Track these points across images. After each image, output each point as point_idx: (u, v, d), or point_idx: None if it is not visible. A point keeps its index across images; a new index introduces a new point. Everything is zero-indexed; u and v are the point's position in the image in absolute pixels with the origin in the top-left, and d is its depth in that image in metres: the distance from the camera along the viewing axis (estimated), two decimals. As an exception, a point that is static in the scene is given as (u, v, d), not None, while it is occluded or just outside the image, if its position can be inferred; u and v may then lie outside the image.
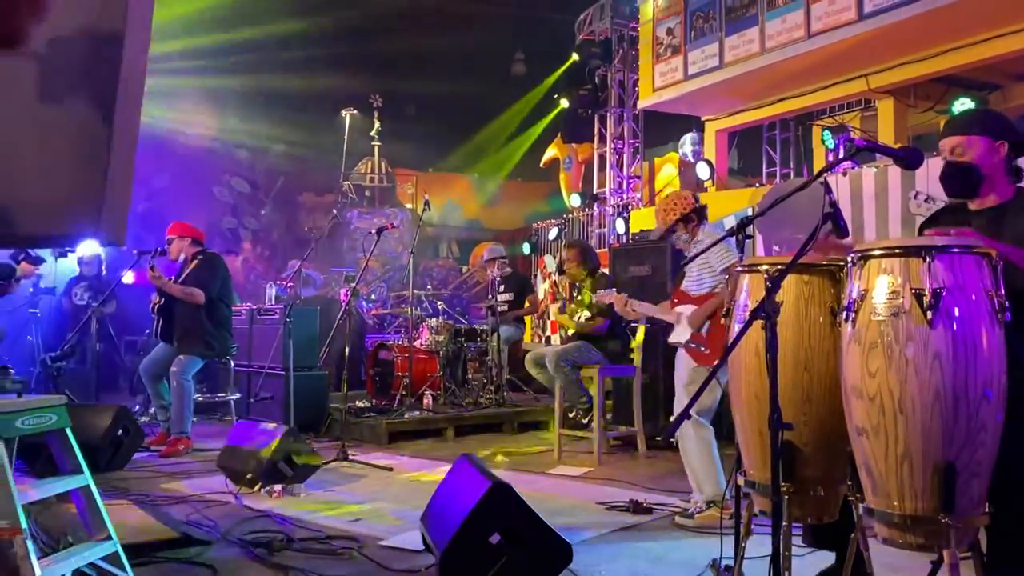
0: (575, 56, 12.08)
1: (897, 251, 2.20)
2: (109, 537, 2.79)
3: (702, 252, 4.07)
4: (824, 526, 2.64)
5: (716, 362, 3.96)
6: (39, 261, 5.54)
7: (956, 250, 2.16)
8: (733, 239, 3.38)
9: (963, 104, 6.99)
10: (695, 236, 4.35)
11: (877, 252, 2.23)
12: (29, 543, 2.40)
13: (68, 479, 2.79)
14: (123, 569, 2.81)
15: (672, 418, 3.93)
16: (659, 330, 5.80)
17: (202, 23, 11.94)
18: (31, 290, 7.40)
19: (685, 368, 4.20)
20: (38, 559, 2.46)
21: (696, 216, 4.36)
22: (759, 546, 3.02)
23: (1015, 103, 8.67)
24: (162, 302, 6.15)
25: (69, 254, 6.77)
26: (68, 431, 2.79)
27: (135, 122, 0.93)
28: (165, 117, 13.68)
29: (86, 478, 2.80)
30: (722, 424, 4.33)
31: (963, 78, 8.15)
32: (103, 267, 8.92)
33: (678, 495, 4.43)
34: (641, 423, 5.78)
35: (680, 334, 4.25)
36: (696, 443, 4.07)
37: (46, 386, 6.08)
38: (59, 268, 8.17)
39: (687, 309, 4.25)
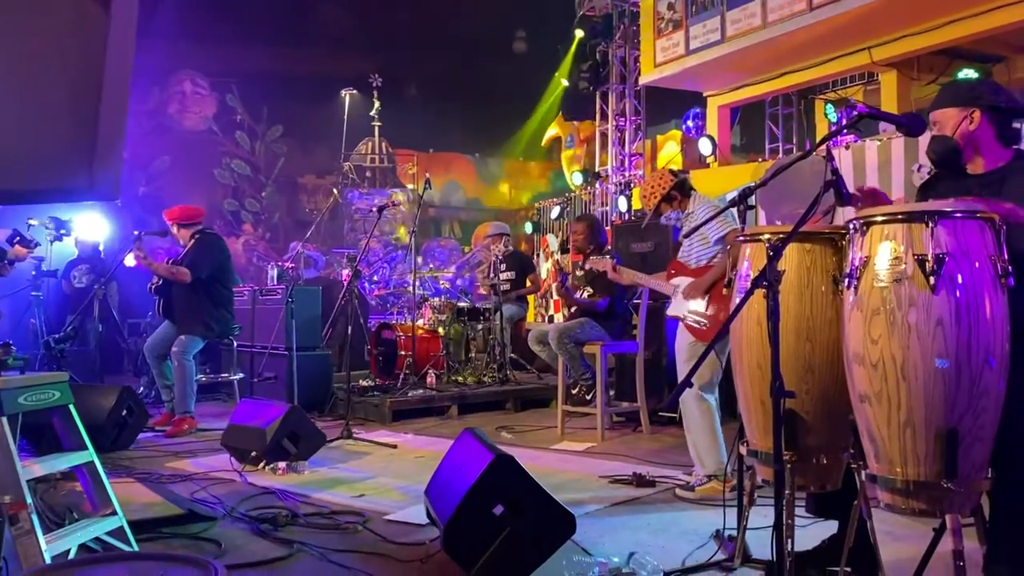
0: (579, 33, 11.98)
1: (900, 217, 2.19)
2: (114, 512, 2.81)
3: (701, 225, 4.05)
4: (827, 495, 2.64)
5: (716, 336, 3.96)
6: (33, 244, 5.53)
7: (959, 215, 2.15)
8: (733, 209, 3.38)
9: (966, 76, 6.94)
10: (686, 209, 4.33)
11: (880, 218, 2.22)
12: (34, 518, 2.42)
13: (72, 455, 2.80)
14: (128, 544, 2.83)
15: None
16: (661, 306, 5.80)
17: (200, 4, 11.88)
18: (33, 273, 7.39)
19: (684, 342, 4.19)
20: (43, 534, 2.47)
21: (678, 192, 4.33)
22: (761, 518, 3.04)
23: (1019, 74, 8.60)
24: (160, 282, 6.16)
25: (64, 238, 6.72)
26: (71, 407, 2.80)
27: (126, 75, 0.92)
28: (164, 100, 13.65)
29: (90, 454, 2.81)
30: (724, 398, 4.34)
31: (967, 50, 8.08)
32: (100, 249, 8.90)
33: (681, 469, 4.44)
34: (644, 399, 5.78)
35: (677, 307, 4.24)
36: (698, 416, 4.07)
37: (50, 368, 6.09)
38: (58, 251, 8.15)
39: (683, 281, 4.24)
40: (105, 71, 0.93)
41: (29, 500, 2.41)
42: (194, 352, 5.99)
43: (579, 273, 6.24)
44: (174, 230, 6.25)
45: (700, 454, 4.08)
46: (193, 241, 6.20)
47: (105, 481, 2.84)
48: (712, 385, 4.12)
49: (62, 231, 6.48)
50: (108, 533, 2.79)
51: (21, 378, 2.62)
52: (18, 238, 5.45)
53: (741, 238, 2.77)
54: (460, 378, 7.42)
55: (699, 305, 4.13)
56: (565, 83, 12.54)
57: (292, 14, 14.24)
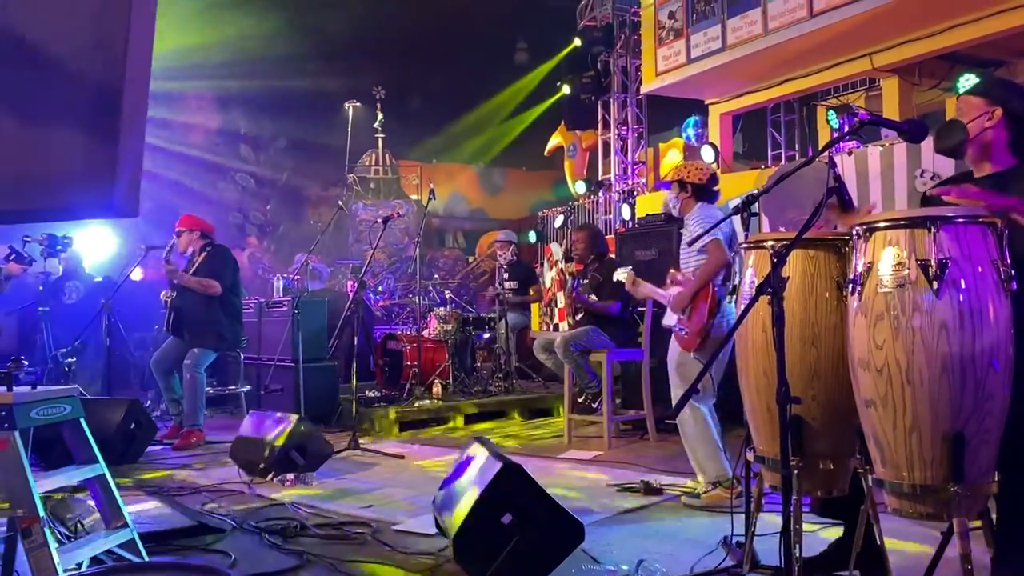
0: (577, 41, 12.05)
1: (902, 222, 2.20)
2: (126, 525, 2.82)
3: (700, 236, 4.07)
4: (834, 500, 2.65)
5: (696, 344, 4.00)
6: (29, 261, 5.55)
7: (961, 220, 2.16)
8: (729, 220, 3.39)
9: (968, 80, 6.94)
10: (687, 209, 4.34)
11: (882, 224, 2.23)
12: (47, 531, 2.43)
13: (83, 469, 2.82)
14: (140, 556, 2.85)
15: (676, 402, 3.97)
16: (664, 314, 5.82)
17: (205, 17, 11.94)
18: (40, 288, 7.42)
19: (675, 351, 4.23)
20: (56, 547, 2.49)
21: (692, 189, 4.34)
22: (769, 524, 3.04)
23: (1020, 79, 8.60)
24: (174, 295, 6.18)
25: (60, 254, 6.73)
26: (82, 421, 2.82)
27: (144, 90, 0.94)
28: (170, 113, 13.70)
29: (101, 467, 2.83)
30: (728, 405, 4.35)
31: (968, 55, 8.10)
32: (84, 265, 8.94)
33: (688, 476, 4.43)
34: (650, 406, 5.79)
35: (669, 317, 4.30)
36: (693, 424, 4.07)
37: (58, 382, 6.11)
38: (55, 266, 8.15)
39: (676, 291, 4.29)
40: (125, 81, 0.95)
41: (42, 513, 2.43)
42: (206, 365, 6.02)
43: (585, 282, 6.26)
44: (186, 236, 6.26)
45: (700, 462, 4.09)
46: (205, 254, 6.22)
47: (116, 494, 2.86)
48: (706, 392, 4.11)
49: (58, 247, 6.48)
50: (120, 545, 2.81)
51: (33, 392, 2.64)
52: (13, 255, 5.48)
53: (746, 245, 2.78)
54: (466, 387, 7.44)
55: (684, 313, 4.18)
56: (567, 90, 12.57)
57: (295, 26, 14.31)
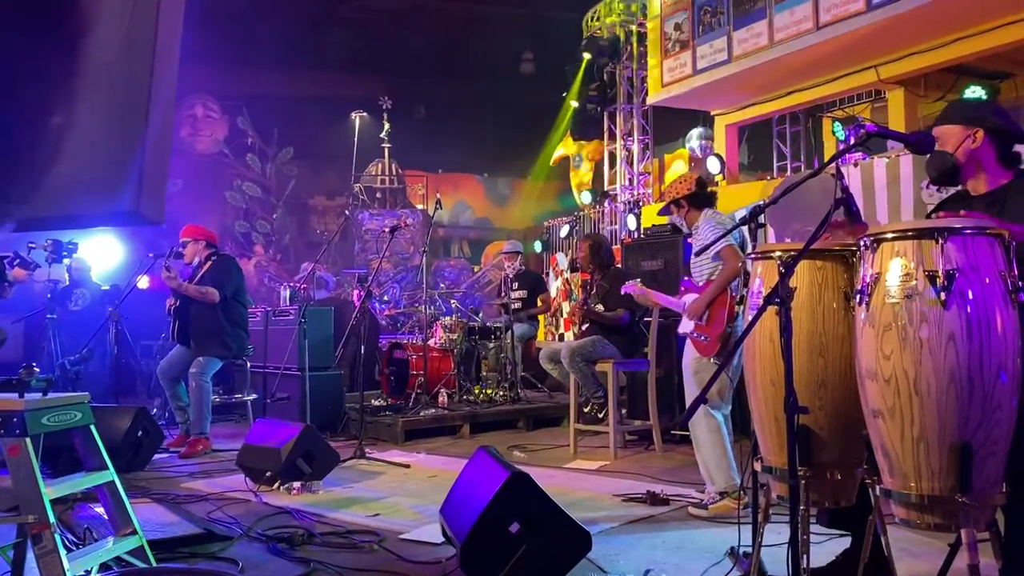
0: (587, 56, 12.10)
1: (910, 233, 2.21)
2: (134, 532, 2.84)
3: (711, 244, 4.08)
4: (842, 510, 2.65)
5: (717, 350, 4.01)
6: (33, 266, 5.57)
7: (969, 231, 2.17)
8: (743, 228, 3.41)
9: (973, 93, 6.96)
10: (692, 221, 4.34)
11: (890, 235, 2.24)
12: (57, 537, 2.45)
13: (94, 475, 2.83)
14: (148, 563, 2.85)
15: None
16: (672, 324, 5.82)
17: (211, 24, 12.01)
18: (49, 296, 7.46)
19: (690, 357, 4.23)
20: (65, 554, 2.50)
21: (688, 202, 4.33)
22: (776, 535, 3.05)
23: (1026, 91, 8.61)
24: (177, 304, 6.20)
25: (64, 259, 6.73)
26: (92, 428, 2.84)
27: (171, 94, 0.96)
28: (177, 124, 13.77)
29: (111, 474, 2.85)
30: (737, 416, 4.36)
31: (973, 67, 8.10)
32: (91, 273, 8.98)
33: (694, 487, 4.44)
34: (656, 417, 5.79)
35: (685, 324, 4.29)
36: (707, 433, 4.08)
37: (65, 390, 6.12)
38: (62, 273, 8.18)
39: (690, 298, 4.30)
40: (152, 86, 0.96)
41: (52, 520, 2.45)
42: (212, 373, 6.03)
43: (592, 292, 6.27)
44: (192, 247, 6.29)
45: (710, 471, 4.09)
46: (210, 263, 6.25)
47: (126, 501, 2.87)
48: (719, 402, 4.13)
49: (63, 253, 6.50)
50: (128, 552, 2.82)
51: (44, 399, 2.66)
52: (18, 260, 5.49)
53: (753, 255, 2.79)
54: (471, 397, 7.45)
55: (701, 320, 4.18)
56: (575, 104, 12.61)
57: (302, 37, 14.39)
